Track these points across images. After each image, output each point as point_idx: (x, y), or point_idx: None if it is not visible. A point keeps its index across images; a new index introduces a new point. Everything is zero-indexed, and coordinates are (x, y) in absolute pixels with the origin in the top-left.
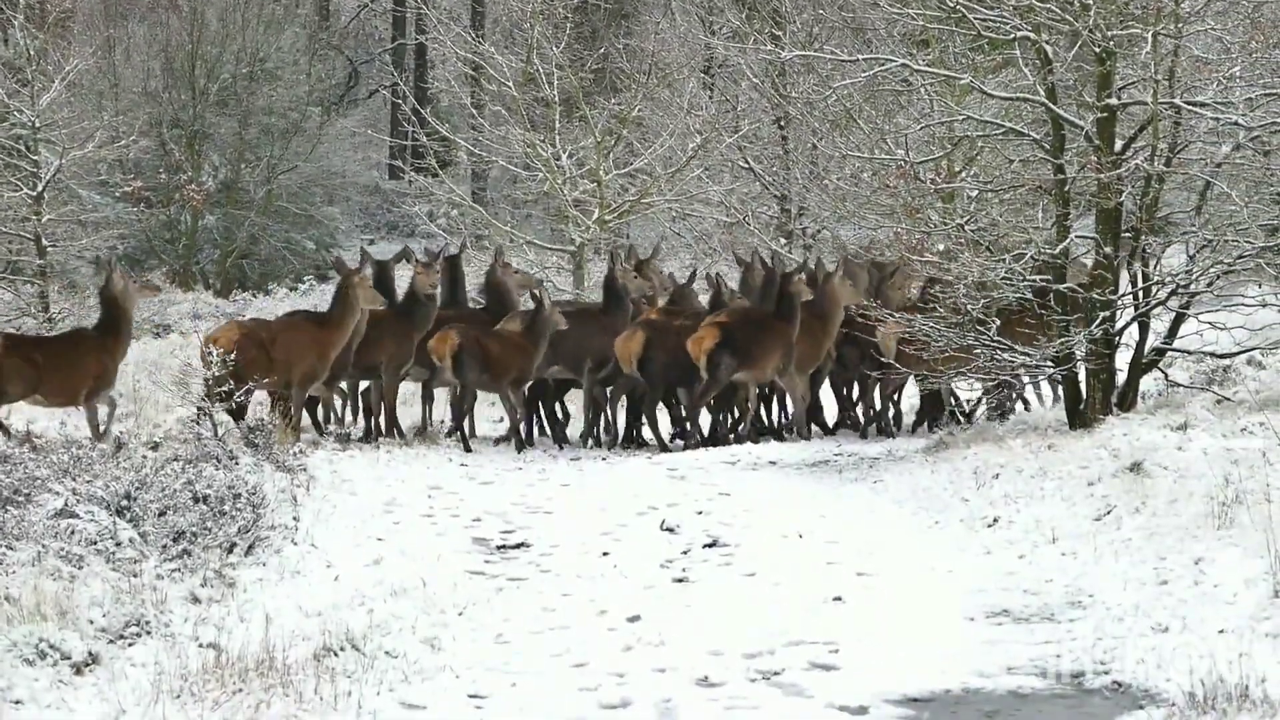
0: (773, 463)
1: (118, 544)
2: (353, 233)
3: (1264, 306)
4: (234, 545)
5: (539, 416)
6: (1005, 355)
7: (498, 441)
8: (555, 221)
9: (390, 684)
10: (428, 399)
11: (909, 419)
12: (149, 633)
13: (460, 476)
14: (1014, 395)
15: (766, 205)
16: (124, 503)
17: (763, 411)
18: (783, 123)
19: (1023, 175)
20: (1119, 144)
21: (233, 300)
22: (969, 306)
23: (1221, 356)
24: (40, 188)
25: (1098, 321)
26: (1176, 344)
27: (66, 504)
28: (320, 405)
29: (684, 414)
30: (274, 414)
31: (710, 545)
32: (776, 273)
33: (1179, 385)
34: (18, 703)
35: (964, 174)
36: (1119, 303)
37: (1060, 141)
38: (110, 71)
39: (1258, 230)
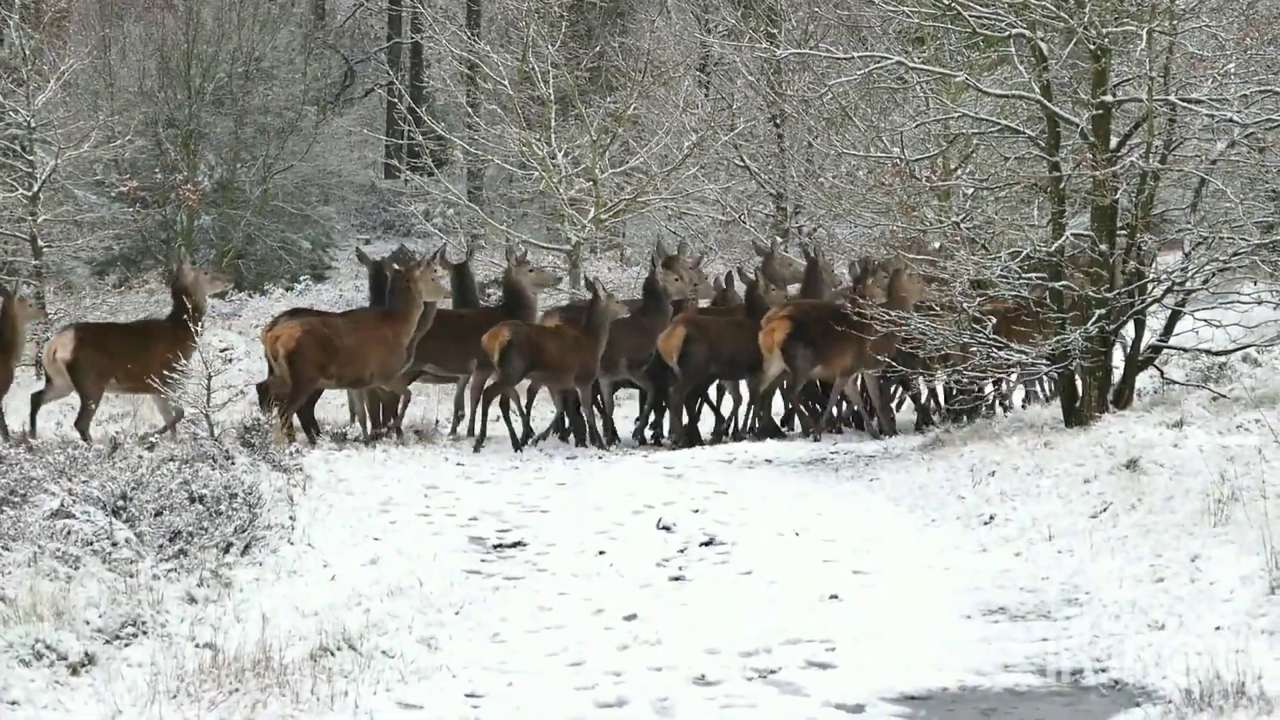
0: (769, 461)
1: (114, 544)
2: (349, 232)
3: (1259, 304)
4: (230, 545)
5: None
6: (1002, 353)
7: (565, 439)
8: (551, 220)
9: (387, 683)
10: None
11: (906, 418)
12: (145, 633)
13: (457, 476)
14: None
15: (762, 203)
16: (120, 503)
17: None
18: (778, 121)
19: (1018, 173)
20: (1114, 141)
21: (229, 300)
22: (965, 304)
23: (1217, 354)
24: (36, 188)
25: (1093, 319)
26: (1172, 341)
27: (63, 504)
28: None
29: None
30: (270, 413)
31: (707, 544)
32: (820, 263)
33: (1175, 383)
34: (14, 703)
35: (959, 172)
36: (1114, 300)
37: (1055, 139)
38: (106, 71)
39: (1253, 227)
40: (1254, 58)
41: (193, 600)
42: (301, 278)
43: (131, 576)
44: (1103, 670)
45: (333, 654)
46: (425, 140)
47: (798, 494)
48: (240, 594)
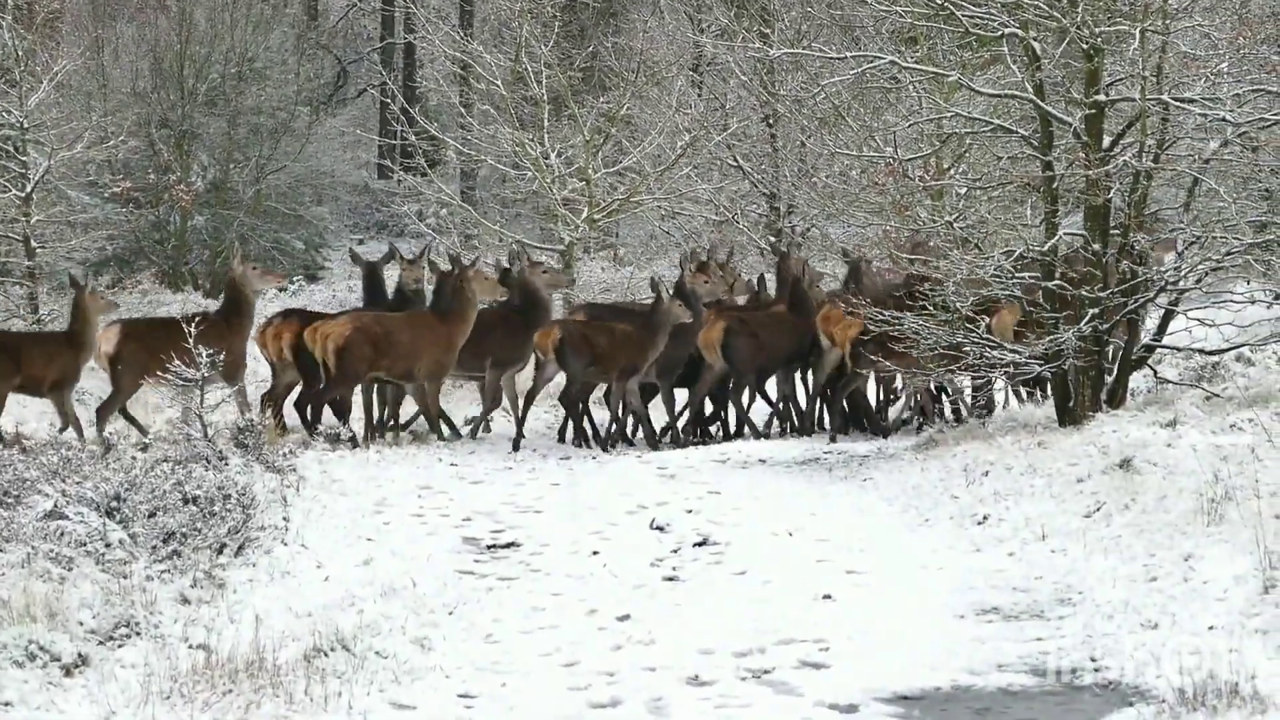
0: (762, 461)
1: (107, 545)
2: (342, 233)
3: (1252, 303)
4: (224, 546)
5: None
6: (995, 353)
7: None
8: (544, 220)
9: (380, 684)
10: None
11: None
12: (139, 634)
13: (450, 476)
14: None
15: (755, 203)
16: (113, 504)
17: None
18: (771, 120)
19: (1011, 172)
20: (1107, 140)
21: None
22: (958, 304)
23: (1210, 353)
24: (29, 189)
25: (1087, 319)
26: (1166, 341)
27: (56, 505)
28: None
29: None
30: (264, 415)
31: (700, 544)
32: (861, 263)
33: (1168, 382)
34: (8, 704)
35: (952, 171)
36: (1107, 299)
37: (1048, 138)
38: (99, 72)
39: (1246, 226)
40: (1247, 57)
41: (186, 601)
42: (295, 278)
43: (125, 577)
44: (1096, 670)
45: (326, 655)
46: (418, 140)
47: (791, 494)
48: (234, 595)
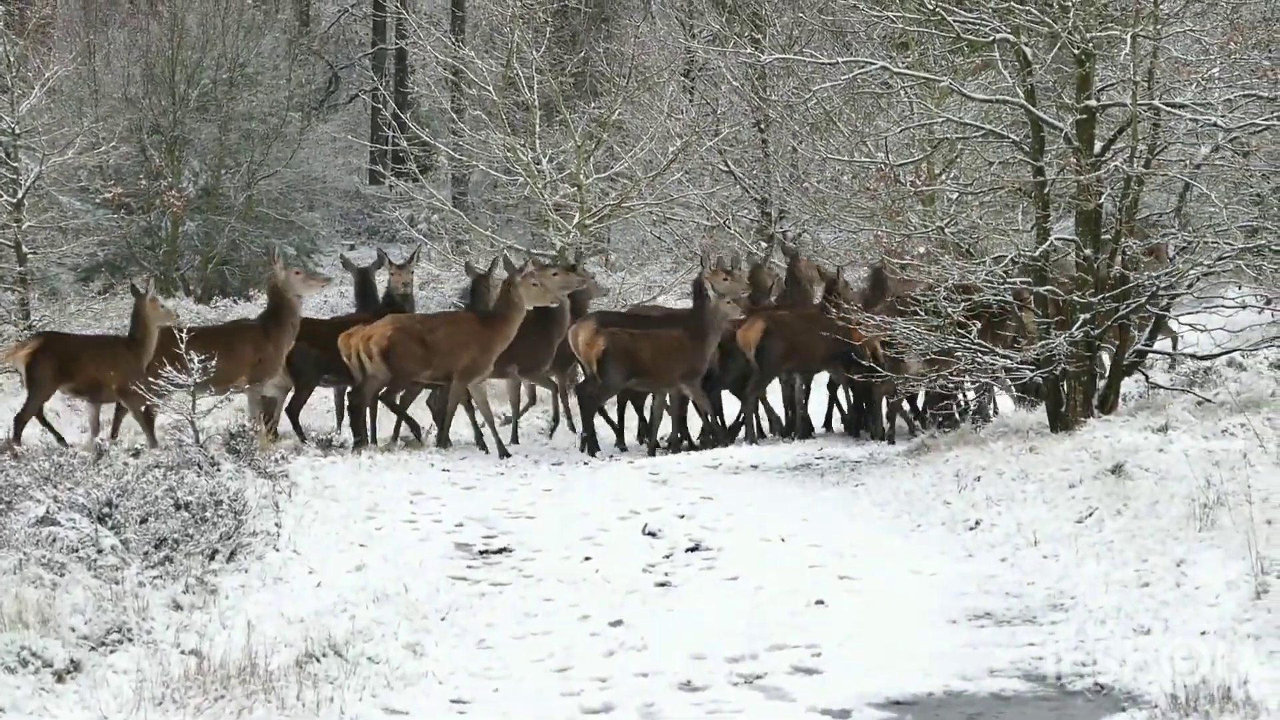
0: (754, 466)
1: (99, 551)
2: (333, 238)
3: (1244, 308)
4: (216, 552)
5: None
6: (986, 358)
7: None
8: (536, 226)
9: (373, 690)
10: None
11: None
12: (131, 640)
13: (442, 482)
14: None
15: (747, 209)
16: (105, 510)
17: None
18: (763, 126)
19: (1002, 177)
20: (1098, 146)
21: (213, 306)
22: (949, 309)
23: (1202, 358)
24: (20, 194)
25: (1078, 324)
26: (1157, 346)
27: (48, 511)
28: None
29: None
30: (255, 420)
31: (692, 549)
32: (885, 270)
33: (1160, 387)
34: (0, 710)
35: (944, 176)
36: (1098, 305)
37: (1040, 143)
38: (90, 78)
39: (1237, 231)
40: (1238, 62)
41: (178, 607)
42: None
43: (117, 583)
44: (1089, 675)
45: (318, 660)
46: (410, 146)
47: (783, 499)
48: (226, 601)
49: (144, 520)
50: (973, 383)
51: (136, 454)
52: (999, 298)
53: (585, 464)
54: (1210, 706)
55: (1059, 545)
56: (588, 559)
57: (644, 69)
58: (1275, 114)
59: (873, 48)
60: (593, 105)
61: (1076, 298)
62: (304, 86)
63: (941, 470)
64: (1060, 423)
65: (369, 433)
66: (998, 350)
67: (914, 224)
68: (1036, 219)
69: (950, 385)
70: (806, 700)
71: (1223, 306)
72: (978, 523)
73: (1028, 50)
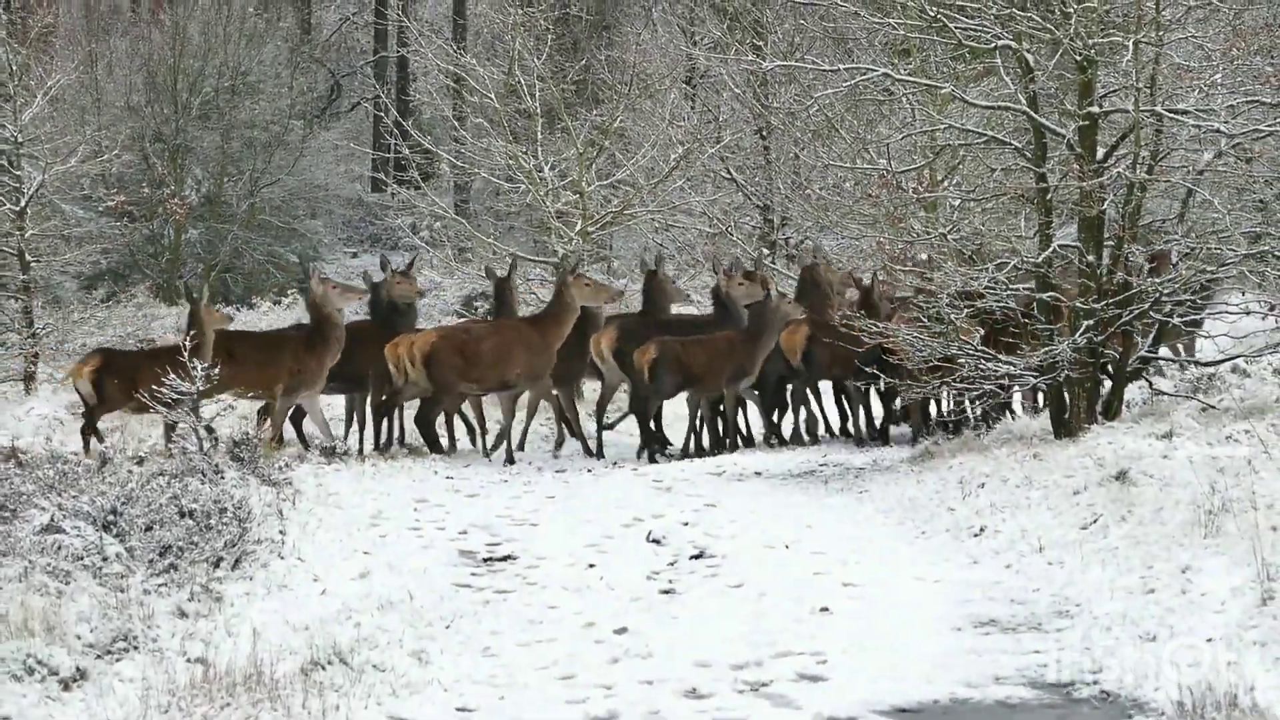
0: (758, 473)
1: (104, 559)
2: (336, 246)
3: (1247, 314)
4: (220, 559)
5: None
6: (990, 365)
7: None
8: (538, 233)
9: (378, 697)
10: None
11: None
12: (136, 648)
13: (446, 489)
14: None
15: (749, 216)
16: (110, 518)
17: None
18: (765, 133)
19: (1005, 184)
20: (1101, 152)
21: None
22: (952, 316)
23: (1206, 364)
24: (23, 203)
25: (1082, 330)
26: (1161, 352)
27: (53, 519)
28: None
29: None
30: (259, 428)
31: (697, 556)
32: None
33: (1164, 394)
34: (6, 718)
35: (946, 183)
36: (1102, 311)
37: (1042, 150)
38: (93, 86)
39: (1240, 238)
40: (1240, 68)
41: (183, 615)
42: (289, 291)
43: (122, 591)
44: (1094, 682)
45: (324, 668)
46: (412, 153)
47: (787, 506)
48: (231, 608)
49: (149, 528)
50: (986, 398)
51: (141, 462)
52: (1002, 304)
53: (589, 471)
54: (1216, 713)
55: (1064, 552)
56: (592, 566)
57: (645, 76)
58: (1278, 120)
59: (874, 54)
60: (594, 112)
61: (1080, 304)
62: (306, 94)
63: (946, 477)
64: (1064, 429)
65: (389, 435)
66: (1000, 357)
67: (916, 230)
68: (1039, 225)
69: (961, 393)
70: (812, 708)
71: (1226, 312)
72: (982, 529)
73: (1030, 57)
